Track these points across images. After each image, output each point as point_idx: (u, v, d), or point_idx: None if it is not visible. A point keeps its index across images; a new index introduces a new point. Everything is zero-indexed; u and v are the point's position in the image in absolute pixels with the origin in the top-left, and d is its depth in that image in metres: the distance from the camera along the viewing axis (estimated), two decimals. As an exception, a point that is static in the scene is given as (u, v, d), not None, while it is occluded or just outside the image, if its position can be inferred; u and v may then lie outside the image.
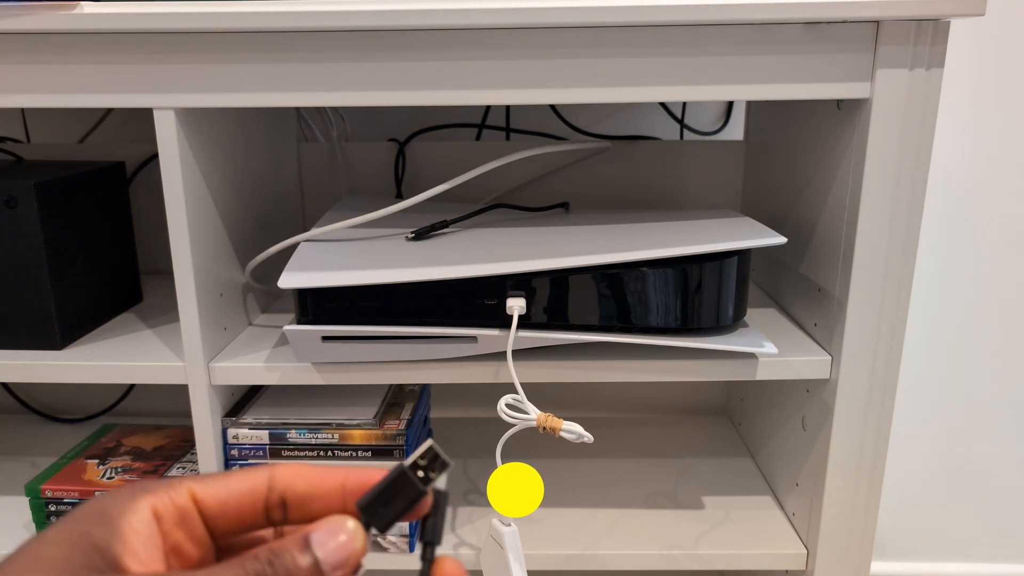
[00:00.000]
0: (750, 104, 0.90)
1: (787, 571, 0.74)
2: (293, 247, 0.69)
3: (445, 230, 0.73)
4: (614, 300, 0.62)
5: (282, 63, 0.58)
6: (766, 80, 0.58)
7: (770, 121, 0.82)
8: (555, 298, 0.62)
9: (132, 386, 0.99)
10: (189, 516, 0.27)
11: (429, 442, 0.28)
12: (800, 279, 0.73)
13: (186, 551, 0.27)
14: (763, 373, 0.65)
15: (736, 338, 0.63)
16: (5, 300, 0.68)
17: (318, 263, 0.63)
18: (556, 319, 0.63)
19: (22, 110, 0.93)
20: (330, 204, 0.92)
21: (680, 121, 0.95)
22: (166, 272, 0.94)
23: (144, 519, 0.25)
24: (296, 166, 0.91)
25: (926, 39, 0.56)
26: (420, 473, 0.27)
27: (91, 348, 0.70)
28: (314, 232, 0.69)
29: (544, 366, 0.65)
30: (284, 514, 0.28)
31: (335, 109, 0.93)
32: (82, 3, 0.56)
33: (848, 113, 0.62)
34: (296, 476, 0.28)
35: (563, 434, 0.60)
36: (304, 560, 0.25)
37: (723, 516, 0.77)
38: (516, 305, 0.61)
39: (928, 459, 1.08)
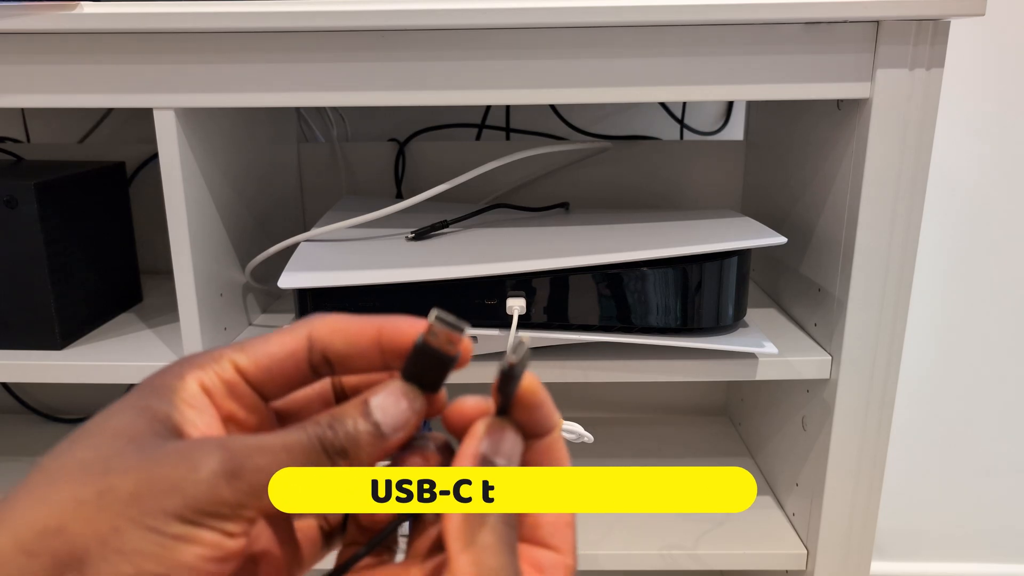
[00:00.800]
0: (750, 104, 0.90)
1: (787, 571, 0.74)
2: (293, 247, 0.69)
3: (445, 230, 0.73)
4: (614, 300, 0.62)
5: (282, 63, 0.58)
6: (766, 80, 0.58)
7: (770, 121, 0.82)
8: (555, 298, 0.62)
9: (132, 386, 0.98)
10: (237, 387, 0.27)
11: (434, 312, 0.26)
12: (800, 279, 0.72)
13: (241, 419, 0.27)
14: (763, 373, 0.65)
15: (736, 338, 0.63)
16: (5, 300, 0.67)
17: (318, 263, 0.63)
18: (556, 319, 0.63)
19: (22, 110, 0.93)
20: (330, 204, 0.92)
21: (680, 121, 0.95)
22: (166, 272, 0.94)
23: (195, 393, 0.26)
24: (296, 166, 0.91)
25: (926, 39, 0.56)
26: (439, 346, 0.26)
27: (91, 348, 0.70)
28: (314, 232, 0.69)
29: (544, 366, 0.65)
30: (331, 368, 0.28)
31: (335, 109, 0.93)
32: (82, 3, 0.56)
33: (848, 113, 0.62)
34: (334, 335, 0.27)
35: (563, 434, 0.60)
36: (364, 425, 0.26)
37: (723, 516, 0.77)
38: (516, 305, 0.61)
39: (928, 459, 1.08)
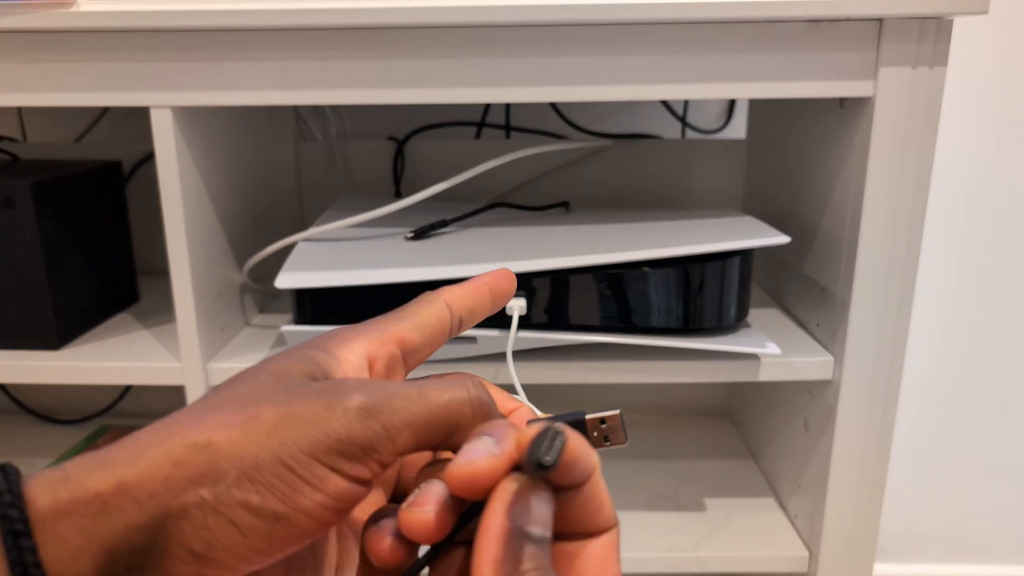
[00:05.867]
0: (752, 102, 0.90)
1: (789, 573, 0.73)
2: (291, 247, 0.68)
3: (444, 229, 0.72)
4: (615, 300, 0.61)
5: (280, 61, 0.57)
6: (768, 78, 0.57)
7: (773, 119, 0.82)
8: (555, 298, 0.62)
9: (129, 387, 0.98)
10: (395, 357, 0.28)
11: (618, 411, 0.27)
12: (803, 279, 0.72)
13: None
14: (765, 374, 0.64)
15: (738, 339, 0.63)
16: (2, 300, 0.67)
17: (316, 263, 0.63)
18: (556, 319, 0.62)
19: (19, 109, 0.93)
20: (328, 203, 0.91)
21: (682, 120, 0.94)
22: (163, 272, 0.93)
23: (358, 355, 0.27)
24: (294, 165, 0.91)
25: (929, 37, 0.56)
26: (595, 433, 0.27)
27: (88, 348, 0.69)
28: (312, 232, 0.68)
29: (544, 367, 0.64)
30: (460, 328, 0.31)
31: (333, 107, 0.93)
32: (78, 1, 0.55)
33: (851, 111, 0.61)
34: (463, 297, 0.31)
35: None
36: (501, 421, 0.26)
37: (725, 518, 0.76)
38: (516, 305, 0.60)
39: (932, 460, 1.07)
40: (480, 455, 0.24)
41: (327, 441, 0.22)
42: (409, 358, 0.29)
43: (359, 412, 0.23)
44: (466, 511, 0.25)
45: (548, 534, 0.23)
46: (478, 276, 0.32)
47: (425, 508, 0.24)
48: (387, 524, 0.26)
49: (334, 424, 0.23)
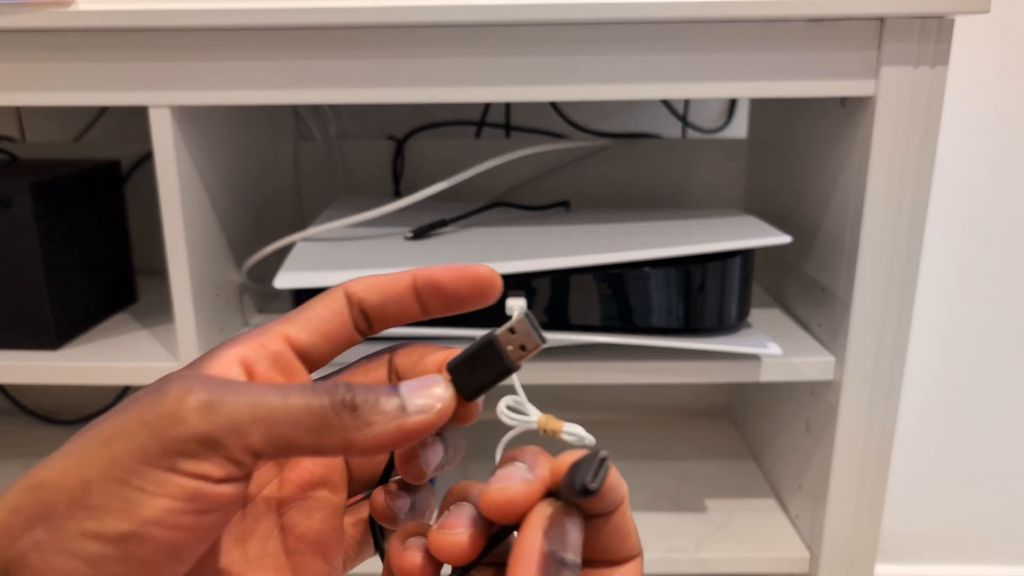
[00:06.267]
0: (753, 102, 0.90)
1: (790, 574, 0.73)
2: (290, 246, 0.68)
3: (444, 229, 0.72)
4: (616, 300, 0.61)
5: (279, 60, 0.57)
6: (769, 77, 0.57)
7: (774, 119, 0.82)
8: (556, 298, 0.61)
9: (127, 388, 0.98)
10: (283, 358, 0.27)
11: (524, 311, 0.25)
12: (804, 279, 0.72)
13: None
14: (766, 374, 0.64)
15: (739, 339, 0.63)
16: (0, 300, 0.67)
17: (315, 263, 0.63)
18: (557, 320, 0.62)
19: (17, 108, 0.93)
20: (328, 203, 0.91)
21: (683, 119, 0.94)
22: (162, 272, 0.93)
23: (228, 362, 0.25)
24: (293, 165, 0.91)
25: (931, 36, 0.56)
26: (510, 347, 0.25)
27: (86, 349, 0.69)
28: (311, 231, 0.68)
29: (544, 367, 0.64)
30: (370, 325, 0.28)
31: (332, 107, 0.93)
32: (77, 0, 0.55)
33: (852, 111, 0.61)
34: (368, 290, 0.28)
35: (564, 436, 0.59)
36: (390, 400, 0.24)
37: (725, 519, 0.76)
38: (516, 306, 0.60)
39: (933, 461, 1.07)
40: (514, 481, 0.24)
41: (160, 443, 0.21)
42: (306, 358, 0.27)
43: (199, 407, 0.22)
44: (494, 534, 0.25)
45: (579, 560, 0.23)
46: (413, 269, 0.29)
47: (458, 531, 0.25)
48: (416, 543, 0.26)
49: (169, 423, 0.21)
